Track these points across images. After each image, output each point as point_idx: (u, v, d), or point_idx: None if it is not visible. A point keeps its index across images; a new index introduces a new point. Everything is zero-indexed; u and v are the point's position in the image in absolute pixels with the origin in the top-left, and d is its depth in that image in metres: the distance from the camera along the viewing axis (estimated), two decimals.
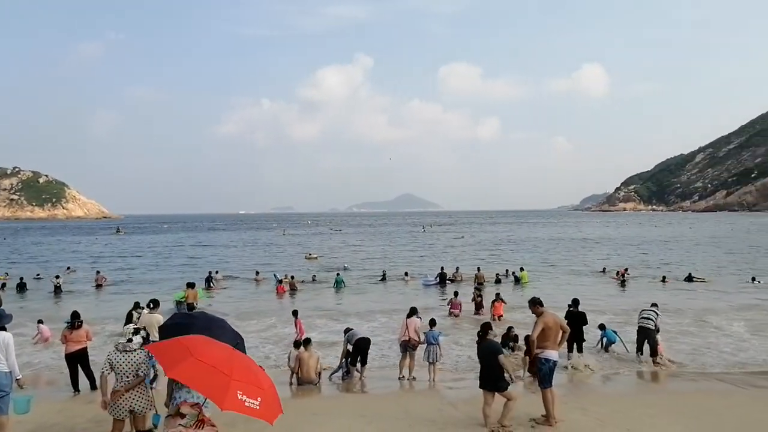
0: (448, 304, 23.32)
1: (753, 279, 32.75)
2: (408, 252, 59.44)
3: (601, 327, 16.87)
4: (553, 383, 9.87)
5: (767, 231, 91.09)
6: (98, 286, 33.56)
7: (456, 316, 22.32)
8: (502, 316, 21.40)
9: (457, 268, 36.01)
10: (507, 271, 36.45)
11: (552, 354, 9.85)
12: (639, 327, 15.46)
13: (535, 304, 10.26)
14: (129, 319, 16.48)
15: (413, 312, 14.46)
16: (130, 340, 8.02)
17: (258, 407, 5.38)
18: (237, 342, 6.26)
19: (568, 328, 10.32)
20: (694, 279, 33.67)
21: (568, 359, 14.81)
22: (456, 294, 23.64)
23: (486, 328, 9.94)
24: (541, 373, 9.85)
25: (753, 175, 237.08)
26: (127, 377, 7.89)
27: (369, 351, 14.15)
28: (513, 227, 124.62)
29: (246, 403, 5.32)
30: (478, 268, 34.61)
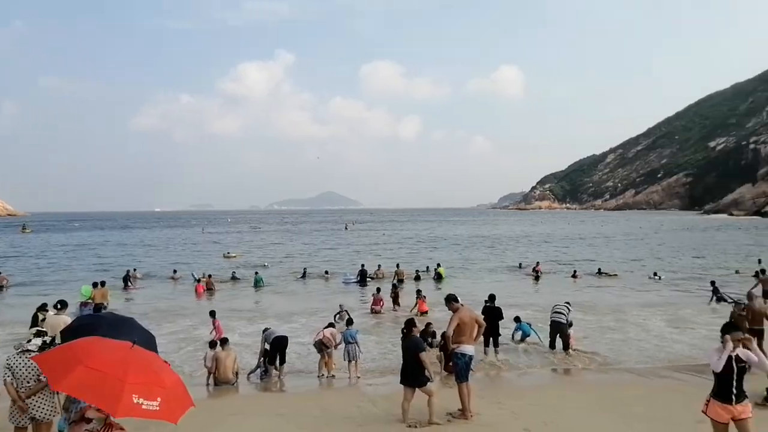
0: (372, 297, 23.43)
1: (654, 274, 34.31)
2: (329, 250, 59.23)
3: (516, 319, 17.31)
4: (469, 377, 10.03)
5: (673, 229, 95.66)
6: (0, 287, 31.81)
7: (378, 312, 22.41)
8: (426, 312, 21.60)
9: (379, 266, 36.16)
10: (428, 267, 36.88)
11: (468, 349, 10.00)
12: (551, 321, 15.93)
13: (450, 300, 10.42)
14: (35, 321, 15.70)
15: (331, 325, 14.60)
16: (29, 341, 7.61)
17: (157, 408, 5.14)
18: (134, 340, 5.92)
19: (483, 322, 10.52)
20: (604, 273, 35.14)
21: (485, 354, 15.10)
22: (378, 290, 23.75)
23: (410, 324, 10.00)
24: (458, 367, 9.99)
25: (659, 176, 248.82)
26: (28, 382, 7.48)
27: (288, 350, 14.04)
28: (434, 225, 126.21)
29: (143, 406, 5.07)
30: (398, 265, 35.02)
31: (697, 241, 66.79)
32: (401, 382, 9.74)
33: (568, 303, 16.67)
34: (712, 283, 25.94)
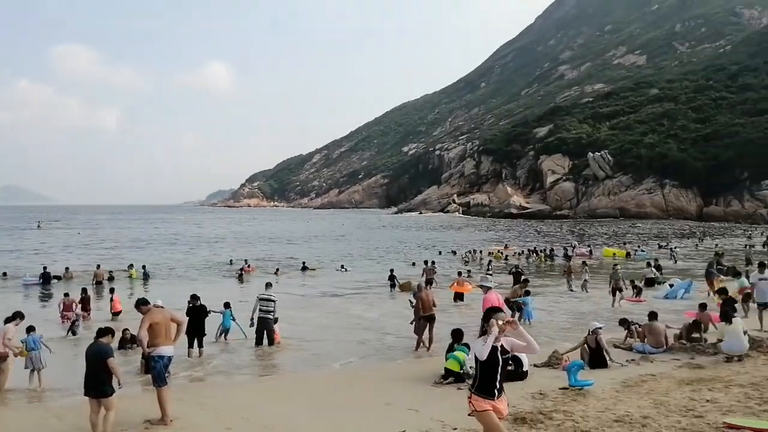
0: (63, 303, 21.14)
1: (342, 266, 37.11)
2: (12, 250, 52.70)
3: (226, 305, 17.03)
4: (168, 380, 9.60)
5: (372, 226, 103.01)
6: None
7: (69, 319, 20.29)
8: (120, 312, 20.33)
9: (67, 269, 33.20)
10: (131, 266, 34.79)
11: (166, 350, 9.55)
12: (259, 318, 15.96)
13: (139, 304, 9.97)
14: None
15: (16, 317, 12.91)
16: None
17: None
18: None
19: (181, 320, 10.16)
20: (307, 268, 36.73)
21: (189, 354, 14.66)
22: (66, 294, 21.47)
23: (101, 332, 9.20)
24: (155, 371, 9.47)
25: (360, 176, 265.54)
26: None
27: None
28: (138, 223, 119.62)
29: None
30: (98, 266, 32.65)
31: (388, 236, 72.99)
32: (85, 394, 8.90)
33: (269, 285, 16.89)
34: (391, 270, 29.10)
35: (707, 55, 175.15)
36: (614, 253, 44.54)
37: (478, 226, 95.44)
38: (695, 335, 14.52)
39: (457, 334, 12.92)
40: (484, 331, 6.51)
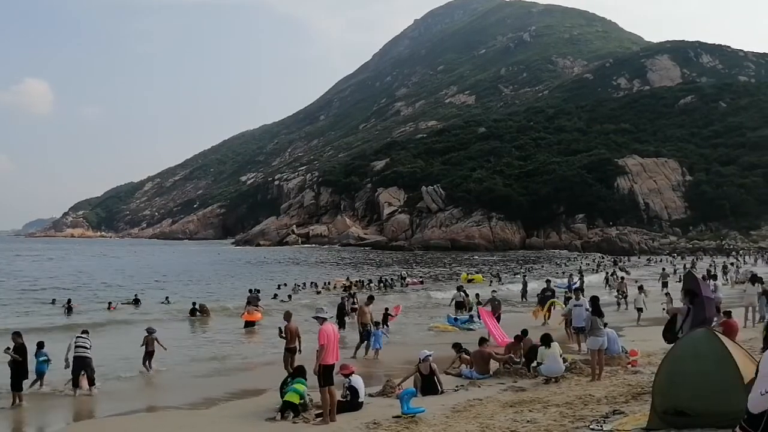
0: None
1: (166, 299, 36.62)
2: None
3: (40, 345, 15.59)
4: None
5: (202, 257, 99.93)
6: None
7: None
8: None
9: None
10: None
11: None
12: (76, 356, 14.82)
13: None
14: None
15: None
16: None
17: None
18: None
19: None
20: (140, 301, 35.11)
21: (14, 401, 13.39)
22: None
23: None
24: None
25: (195, 206, 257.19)
26: None
27: None
28: None
29: None
30: None
31: (220, 268, 71.36)
32: None
33: (86, 333, 15.80)
34: (193, 303, 29.90)
35: (528, 98, 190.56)
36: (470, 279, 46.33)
37: (321, 257, 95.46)
38: (516, 360, 15.48)
39: (299, 370, 12.75)
40: None
